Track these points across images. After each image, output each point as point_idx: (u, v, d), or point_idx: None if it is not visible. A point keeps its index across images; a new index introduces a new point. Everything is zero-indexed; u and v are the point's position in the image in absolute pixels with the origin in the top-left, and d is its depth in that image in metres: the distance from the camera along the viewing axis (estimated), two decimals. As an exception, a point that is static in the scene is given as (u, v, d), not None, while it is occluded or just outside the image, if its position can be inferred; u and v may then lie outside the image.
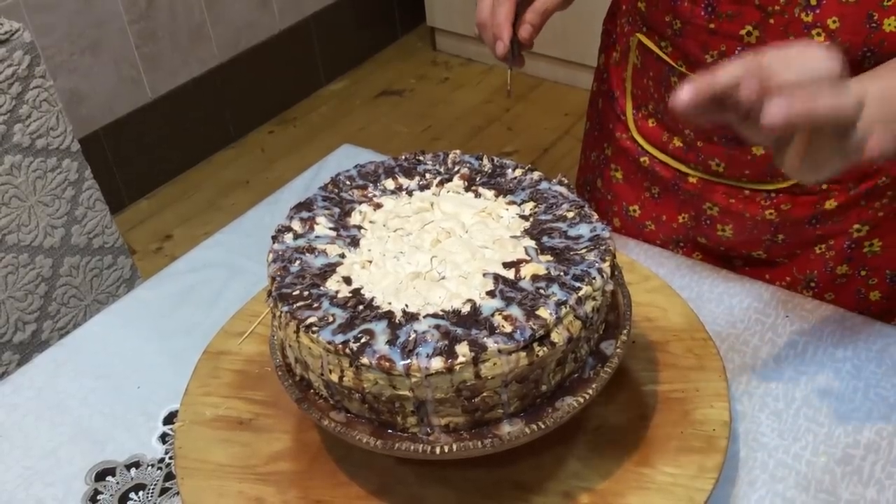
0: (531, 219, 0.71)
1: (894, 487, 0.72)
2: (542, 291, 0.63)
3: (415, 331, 0.60)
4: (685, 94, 0.59)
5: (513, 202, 0.73)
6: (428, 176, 0.75)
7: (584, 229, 0.69)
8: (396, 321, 0.61)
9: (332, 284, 0.65)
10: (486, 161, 0.77)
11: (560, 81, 2.83)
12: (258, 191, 2.45)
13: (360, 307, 0.63)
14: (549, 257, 0.67)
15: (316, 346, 0.61)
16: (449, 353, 0.59)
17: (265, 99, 2.76)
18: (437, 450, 0.62)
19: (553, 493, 0.69)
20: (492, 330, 0.60)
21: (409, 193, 0.74)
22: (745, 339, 0.86)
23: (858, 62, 0.78)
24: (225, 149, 2.69)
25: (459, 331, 0.60)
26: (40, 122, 1.03)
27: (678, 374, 0.78)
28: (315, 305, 0.63)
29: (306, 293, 0.64)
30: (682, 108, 0.59)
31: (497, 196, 0.73)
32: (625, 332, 0.68)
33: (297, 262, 0.66)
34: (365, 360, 0.59)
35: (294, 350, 0.64)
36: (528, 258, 0.67)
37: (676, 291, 0.86)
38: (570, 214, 0.71)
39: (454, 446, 0.62)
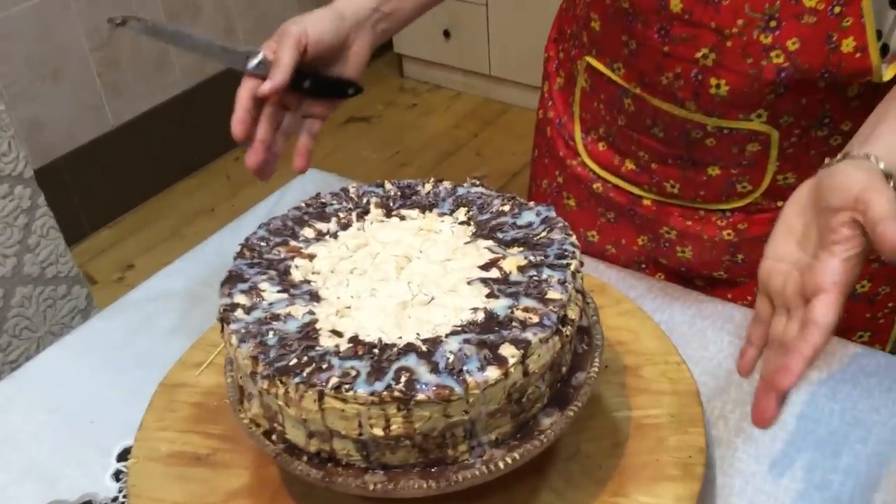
0: (471, 223, 0.71)
1: (874, 513, 0.71)
2: (536, 278, 0.63)
3: (449, 352, 0.58)
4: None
5: (442, 214, 0.72)
6: (342, 214, 0.72)
7: (529, 216, 0.70)
8: (422, 351, 0.58)
9: (326, 341, 0.60)
10: (389, 186, 0.75)
11: (528, 107, 2.83)
12: (223, 219, 2.40)
13: (375, 350, 0.58)
14: (518, 248, 0.67)
15: (351, 405, 0.56)
16: (497, 359, 0.57)
17: (230, 126, 2.72)
18: (494, 466, 0.59)
19: (525, 527, 0.67)
20: (522, 325, 0.59)
21: (335, 236, 0.71)
22: (718, 362, 0.84)
23: (814, 83, 0.77)
24: (189, 176, 2.65)
25: (492, 336, 0.59)
26: (-10, 147, 1.00)
27: (652, 400, 0.75)
28: (326, 366, 0.57)
29: (306, 358, 0.58)
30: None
31: (423, 213, 0.72)
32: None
33: (270, 333, 0.60)
34: (421, 397, 0.55)
35: (313, 423, 0.58)
36: (499, 255, 0.65)
37: (648, 314, 0.84)
38: (507, 207, 0.72)
39: (509, 458, 0.60)
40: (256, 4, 2.71)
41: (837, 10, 0.73)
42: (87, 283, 1.10)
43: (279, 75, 0.78)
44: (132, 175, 2.49)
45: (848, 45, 0.74)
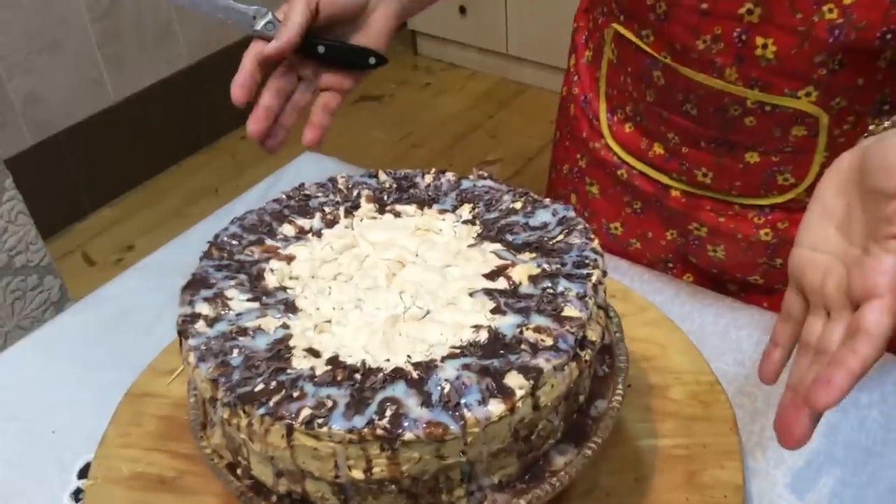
0: (477, 222, 0.61)
1: (936, 563, 0.61)
2: (551, 291, 0.53)
3: (445, 380, 0.48)
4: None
5: (444, 210, 0.62)
6: (328, 209, 0.63)
7: (545, 216, 0.60)
8: (413, 378, 0.49)
9: (300, 363, 0.51)
10: (383, 176, 0.66)
11: (545, 88, 2.73)
12: (227, 199, 2.33)
13: (357, 376, 0.49)
14: (530, 254, 0.57)
15: (325, 442, 0.47)
16: (502, 390, 0.48)
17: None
18: None
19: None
20: (533, 348, 0.50)
21: (318, 235, 0.62)
22: (755, 381, 0.74)
23: (877, 48, 0.67)
24: (193, 155, 2.57)
25: (496, 363, 0.49)
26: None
27: (681, 427, 0.66)
28: (297, 394, 0.48)
29: (275, 384, 0.49)
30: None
31: (421, 209, 0.62)
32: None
33: (235, 351, 0.52)
34: (409, 436, 0.46)
35: (281, 461, 0.49)
36: (508, 262, 0.56)
37: (677, 325, 0.75)
38: (518, 205, 0.62)
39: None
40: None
41: None
42: (59, 274, 1.02)
43: (286, 35, 0.71)
44: (134, 152, 2.40)
45: None
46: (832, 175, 0.55)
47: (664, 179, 0.85)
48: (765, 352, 0.57)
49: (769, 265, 0.85)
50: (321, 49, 0.75)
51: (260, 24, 0.73)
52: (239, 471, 0.53)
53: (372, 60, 0.77)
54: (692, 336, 0.75)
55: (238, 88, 0.72)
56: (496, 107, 2.76)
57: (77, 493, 0.71)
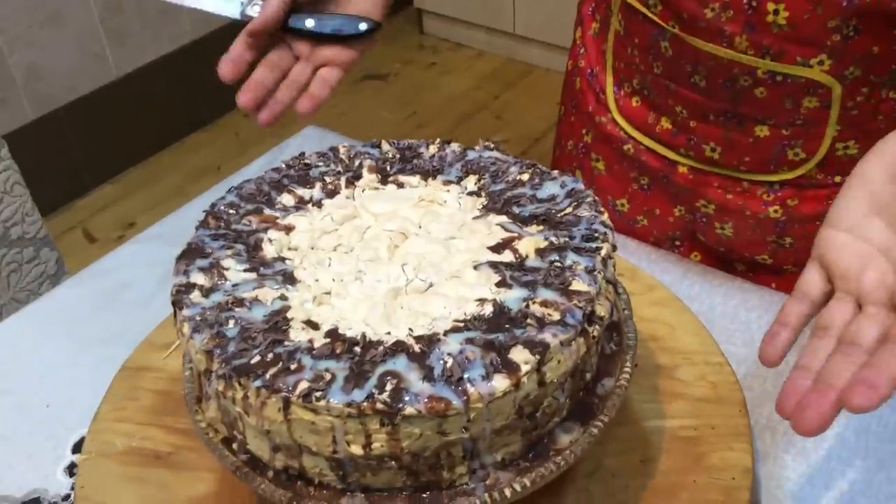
0: (483, 194, 0.59)
1: (950, 551, 0.60)
2: (559, 264, 0.52)
3: (448, 354, 0.47)
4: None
5: (448, 182, 0.60)
6: (329, 179, 0.61)
7: (553, 188, 0.58)
8: (414, 351, 0.47)
9: (297, 335, 0.49)
10: (386, 146, 0.64)
11: (552, 68, 2.70)
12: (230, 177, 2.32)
13: (357, 349, 0.48)
14: (538, 227, 0.55)
15: (323, 416, 0.45)
16: (506, 365, 0.46)
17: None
18: (499, 494, 0.49)
19: (537, 559, 0.56)
20: (539, 323, 0.48)
21: (318, 205, 0.60)
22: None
23: (894, 12, 0.64)
24: (196, 132, 2.54)
25: (501, 336, 0.47)
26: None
27: (689, 408, 0.64)
28: (295, 367, 0.47)
29: (271, 356, 0.47)
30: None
31: (426, 180, 0.60)
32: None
33: (231, 322, 0.50)
34: (410, 410, 0.45)
35: (277, 435, 0.48)
36: (515, 234, 0.54)
37: (686, 305, 0.73)
38: (526, 176, 0.60)
39: (518, 483, 0.49)
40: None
41: None
42: (56, 247, 1.00)
43: (268, 8, 0.72)
44: (136, 128, 2.38)
45: None
46: (883, 156, 0.51)
47: (671, 155, 0.83)
48: (769, 332, 0.53)
49: (778, 244, 0.83)
50: (310, 23, 0.74)
51: (250, 9, 0.74)
52: (235, 445, 0.51)
53: (363, 26, 0.75)
54: (701, 317, 0.74)
55: (225, 64, 0.74)
56: (502, 87, 2.73)
57: (71, 468, 0.70)
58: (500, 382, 0.45)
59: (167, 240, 0.91)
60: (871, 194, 0.51)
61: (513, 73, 2.78)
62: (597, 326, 0.49)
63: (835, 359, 0.49)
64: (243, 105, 0.74)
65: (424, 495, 0.48)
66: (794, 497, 0.63)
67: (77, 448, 0.71)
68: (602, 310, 0.50)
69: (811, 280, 0.52)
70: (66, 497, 0.68)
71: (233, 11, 0.76)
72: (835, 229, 0.52)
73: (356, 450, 0.45)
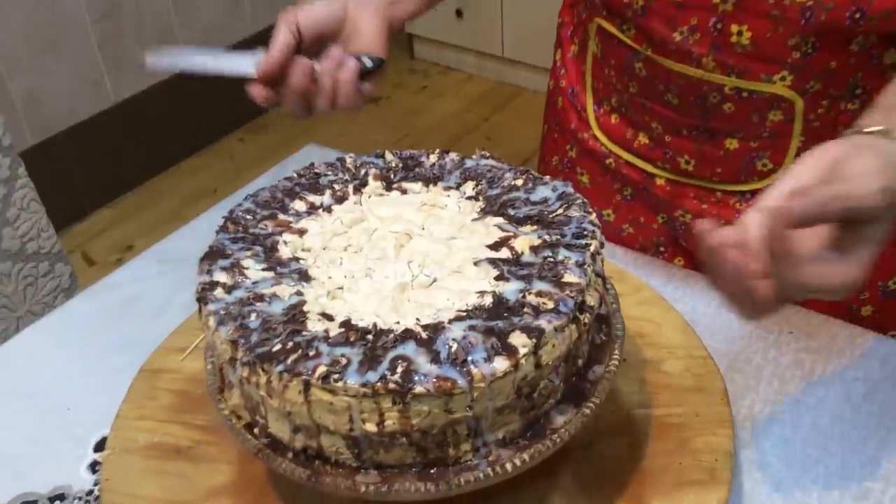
0: (480, 198, 0.64)
1: (919, 526, 0.64)
2: (551, 259, 0.57)
3: (452, 340, 0.51)
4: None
5: (448, 188, 0.65)
6: (338, 186, 0.66)
7: (545, 191, 0.64)
8: (422, 338, 0.52)
9: (314, 325, 0.53)
10: (389, 156, 0.69)
11: (540, 91, 2.76)
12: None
13: (369, 337, 0.52)
14: (531, 226, 0.60)
15: (340, 397, 0.50)
16: (506, 349, 0.51)
17: (236, 105, 2.65)
18: (500, 468, 0.53)
19: (535, 535, 0.60)
20: (535, 311, 0.53)
21: (328, 210, 0.65)
22: (746, 357, 0.78)
23: (848, 29, 0.70)
24: (192, 156, 2.59)
25: (501, 323, 0.52)
26: (-35, 111, 0.94)
27: (675, 397, 0.69)
28: (313, 353, 0.51)
29: (291, 344, 0.52)
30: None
31: (427, 186, 0.65)
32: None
33: (253, 315, 0.54)
34: (419, 389, 0.49)
35: (298, 416, 0.52)
36: (510, 234, 0.59)
37: (671, 304, 0.78)
38: (520, 182, 0.65)
39: (517, 459, 0.53)
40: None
41: None
42: (70, 262, 1.04)
43: (270, 54, 0.77)
44: (133, 153, 2.43)
45: None
46: (815, 158, 0.56)
47: (649, 168, 0.88)
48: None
49: None
50: (317, 67, 0.78)
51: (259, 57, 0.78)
52: (256, 430, 0.55)
53: (368, 63, 0.80)
54: (686, 317, 0.78)
55: (253, 90, 0.79)
56: (492, 109, 2.79)
57: (93, 466, 0.73)
58: (501, 364, 0.50)
59: (173, 255, 0.96)
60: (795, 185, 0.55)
61: (502, 95, 2.84)
62: (587, 314, 0.54)
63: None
64: (256, 98, 0.79)
65: (432, 471, 0.52)
66: (774, 480, 0.68)
67: (98, 447, 0.75)
68: (592, 300, 0.55)
69: (726, 236, 0.54)
70: (90, 492, 0.71)
71: (248, 68, 0.79)
72: (759, 213, 0.55)
73: (370, 427, 0.50)
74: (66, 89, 2.23)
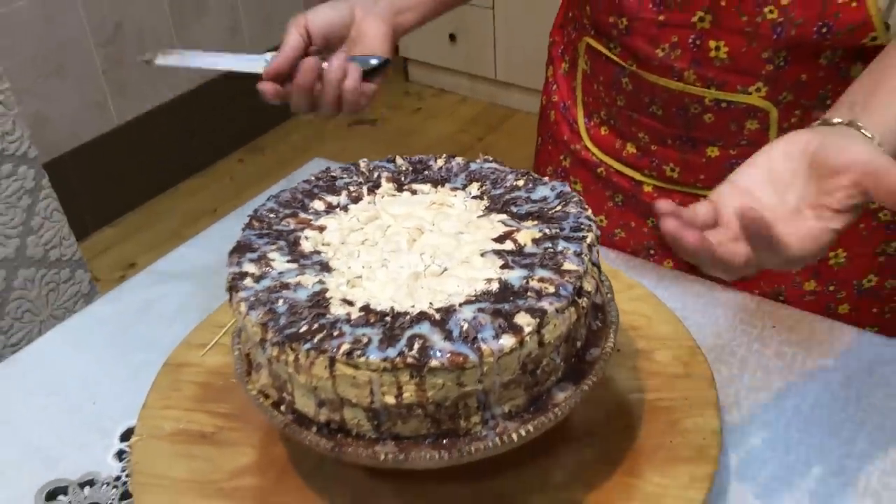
0: (485, 197, 0.70)
1: (891, 498, 0.69)
2: (551, 250, 0.62)
3: (463, 320, 0.56)
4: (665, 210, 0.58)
5: (455, 188, 0.71)
6: (353, 188, 0.72)
7: (544, 191, 0.69)
8: (436, 319, 0.57)
9: (337, 309, 0.58)
10: (400, 161, 0.75)
11: (532, 111, 2.82)
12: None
13: (387, 318, 0.57)
14: (532, 222, 0.65)
15: (362, 371, 0.54)
16: (512, 327, 0.56)
17: (235, 127, 2.72)
18: (507, 438, 0.58)
19: (537, 506, 0.65)
20: (538, 294, 0.58)
21: (345, 209, 0.70)
22: (731, 350, 0.83)
23: (815, 43, 0.76)
24: (193, 177, 2.64)
25: (507, 306, 0.57)
26: (-6, 125, 0.99)
27: (665, 383, 0.74)
28: (337, 333, 0.56)
29: (317, 326, 0.57)
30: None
31: (435, 187, 0.71)
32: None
33: (280, 301, 0.59)
34: (434, 363, 0.54)
35: (323, 391, 0.57)
36: (513, 228, 0.64)
37: (661, 300, 0.83)
38: (521, 182, 0.71)
39: (523, 430, 0.58)
40: (262, 4, 2.71)
41: None
42: (89, 269, 1.09)
43: (281, 54, 0.84)
44: (136, 174, 2.48)
45: None
46: (788, 142, 0.62)
47: (637, 176, 0.94)
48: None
49: None
50: (325, 65, 0.84)
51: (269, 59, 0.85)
52: (283, 407, 0.60)
53: (374, 62, 0.86)
54: (676, 313, 0.83)
55: (263, 85, 0.85)
56: (485, 130, 2.85)
57: (120, 454, 0.78)
58: (508, 341, 0.55)
59: (191, 260, 1.01)
60: (769, 168, 0.61)
61: (494, 116, 2.91)
62: (585, 298, 0.59)
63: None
64: (266, 93, 0.85)
65: (445, 441, 0.57)
66: (760, 459, 0.73)
67: (124, 437, 0.79)
68: (589, 286, 0.60)
69: (700, 209, 0.60)
70: (117, 478, 0.76)
71: (257, 68, 0.85)
72: (732, 185, 0.61)
73: (389, 400, 0.55)
74: (71, 112, 2.29)
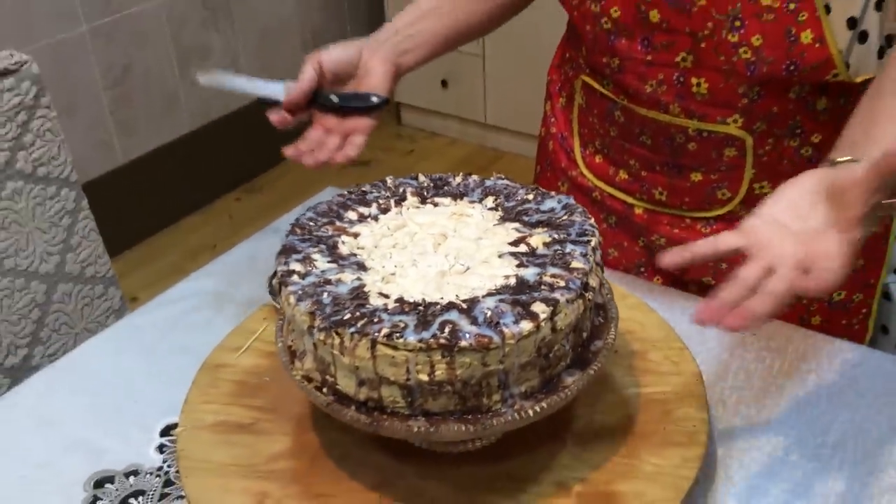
0: (499, 208, 0.79)
1: (860, 480, 0.77)
2: (560, 251, 0.71)
3: (487, 308, 0.65)
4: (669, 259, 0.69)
5: (472, 201, 0.80)
6: (382, 201, 0.81)
7: (552, 203, 0.78)
8: (463, 308, 0.65)
9: (375, 301, 0.67)
10: (422, 178, 0.84)
11: (521, 154, 2.93)
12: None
13: (420, 308, 0.65)
14: (542, 228, 0.74)
15: (401, 351, 0.63)
16: (530, 314, 0.64)
17: (233, 167, 2.81)
18: (524, 414, 0.66)
19: (547, 484, 0.73)
20: (551, 287, 0.67)
21: (376, 219, 0.79)
22: (717, 354, 0.92)
23: (785, 79, 0.87)
24: (192, 214, 2.72)
25: (524, 297, 0.66)
26: (43, 150, 1.08)
27: (658, 379, 0.83)
28: (377, 320, 0.64)
29: (358, 313, 0.65)
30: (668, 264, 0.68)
31: (455, 200, 0.80)
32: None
33: (325, 294, 0.67)
34: (464, 343, 0.62)
35: (364, 370, 0.65)
36: (526, 234, 0.73)
37: (653, 308, 0.92)
38: (531, 196, 0.80)
39: (538, 407, 0.66)
40: (263, 48, 2.82)
41: (793, 6, 0.83)
42: (121, 286, 1.17)
43: (299, 86, 0.94)
44: (139, 210, 2.55)
45: (807, 36, 0.84)
46: (803, 180, 0.71)
47: (629, 199, 1.04)
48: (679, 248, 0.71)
49: (717, 267, 1.02)
50: (335, 98, 0.96)
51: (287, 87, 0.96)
52: (325, 389, 0.68)
53: (374, 100, 0.96)
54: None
55: (273, 117, 0.95)
56: (475, 171, 2.91)
57: (161, 448, 0.85)
58: (526, 325, 0.64)
59: (216, 277, 1.09)
60: (790, 200, 0.71)
61: (484, 158, 3.01)
62: (591, 293, 0.68)
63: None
64: (290, 156, 0.95)
65: (469, 416, 0.65)
66: (742, 447, 0.81)
67: (164, 432, 0.87)
68: (594, 282, 0.69)
69: (728, 239, 0.70)
70: (160, 468, 0.83)
71: (279, 95, 0.96)
72: (759, 218, 0.70)
73: (423, 377, 0.63)
74: (78, 150, 2.36)
